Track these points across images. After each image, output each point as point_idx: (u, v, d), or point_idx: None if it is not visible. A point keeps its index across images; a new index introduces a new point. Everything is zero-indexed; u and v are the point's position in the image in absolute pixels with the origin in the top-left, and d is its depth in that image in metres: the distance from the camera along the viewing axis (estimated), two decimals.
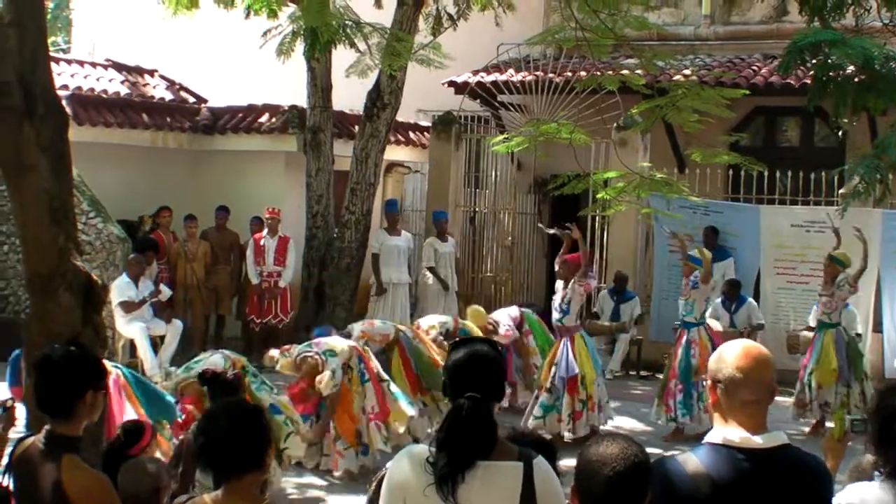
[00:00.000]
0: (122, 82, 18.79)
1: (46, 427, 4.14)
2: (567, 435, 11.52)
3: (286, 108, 17.54)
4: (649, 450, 3.51)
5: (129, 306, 13.80)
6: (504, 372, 4.00)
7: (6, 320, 15.44)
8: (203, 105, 19.05)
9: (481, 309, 12.99)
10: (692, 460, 3.50)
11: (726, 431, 3.52)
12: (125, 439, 5.95)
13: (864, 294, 14.68)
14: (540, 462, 3.75)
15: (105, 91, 17.96)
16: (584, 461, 3.45)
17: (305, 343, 10.14)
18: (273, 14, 14.37)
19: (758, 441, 3.48)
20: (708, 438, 3.57)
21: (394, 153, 18.79)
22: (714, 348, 5.26)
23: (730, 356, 3.57)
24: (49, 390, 4.15)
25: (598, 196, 12.65)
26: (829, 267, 12.62)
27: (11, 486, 4.38)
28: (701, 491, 3.41)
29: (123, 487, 5.24)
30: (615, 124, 16.02)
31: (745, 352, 3.58)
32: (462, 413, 3.73)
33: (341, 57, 15.07)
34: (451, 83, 18.75)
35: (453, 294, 16.74)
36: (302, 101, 17.16)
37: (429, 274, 16.60)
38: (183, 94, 19.64)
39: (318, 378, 9.54)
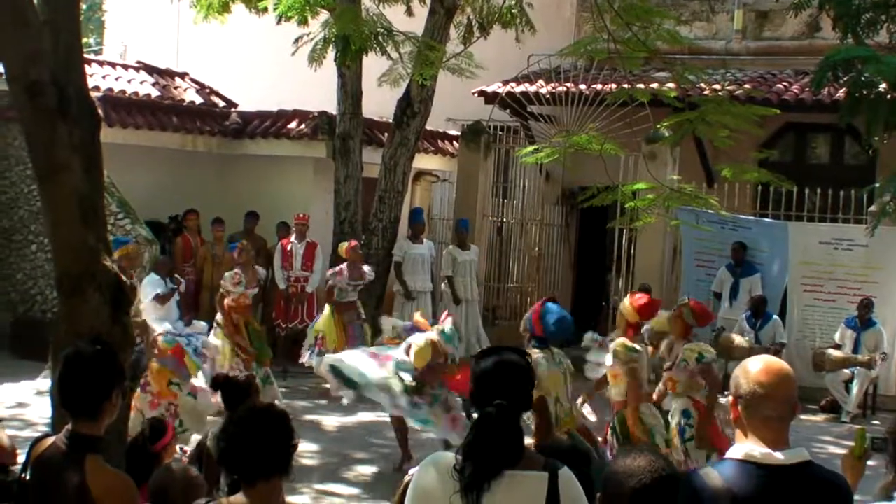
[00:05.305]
0: (153, 85, 18.87)
1: (68, 427, 4.05)
2: None
3: (316, 114, 17.57)
4: None
5: (162, 299, 13.72)
6: (532, 381, 3.96)
7: (34, 319, 15.56)
8: (233, 109, 19.11)
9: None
10: (714, 475, 3.49)
11: (748, 447, 3.51)
12: (149, 435, 5.97)
13: (890, 313, 14.61)
14: (565, 473, 3.73)
15: (136, 93, 18.05)
16: (611, 473, 3.47)
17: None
18: (304, 21, 14.42)
19: (779, 457, 3.47)
20: (730, 454, 3.57)
21: (422, 161, 18.80)
22: None
23: (751, 372, 3.56)
24: (78, 389, 4.04)
25: (627, 206, 12.60)
26: None
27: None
28: None
29: (160, 489, 5.19)
30: (644, 137, 15.97)
31: (767, 367, 3.57)
32: (489, 422, 3.72)
33: (372, 64, 15.12)
34: (481, 93, 18.76)
35: (475, 304, 16.68)
36: (332, 107, 17.19)
37: (444, 284, 16.59)
38: (213, 97, 19.68)
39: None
